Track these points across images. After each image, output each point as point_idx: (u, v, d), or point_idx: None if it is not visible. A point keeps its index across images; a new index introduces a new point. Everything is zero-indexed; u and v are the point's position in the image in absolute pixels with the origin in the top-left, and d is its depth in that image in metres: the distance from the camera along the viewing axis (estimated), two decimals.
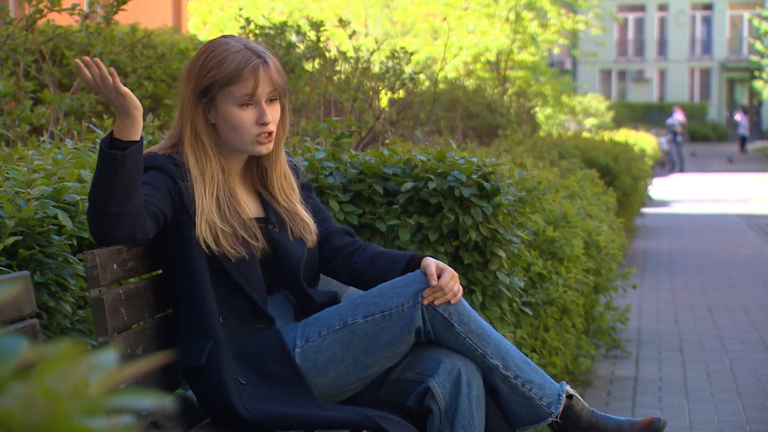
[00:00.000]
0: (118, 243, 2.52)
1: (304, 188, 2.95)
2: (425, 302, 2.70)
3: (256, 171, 2.86)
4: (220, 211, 2.69)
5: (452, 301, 2.71)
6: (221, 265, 2.67)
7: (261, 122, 2.71)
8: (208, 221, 2.65)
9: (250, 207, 2.80)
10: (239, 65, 2.69)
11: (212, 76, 2.69)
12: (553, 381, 2.80)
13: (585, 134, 17.58)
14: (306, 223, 2.84)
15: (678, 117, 29.16)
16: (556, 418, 2.76)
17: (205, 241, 2.64)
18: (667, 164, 29.13)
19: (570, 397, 2.78)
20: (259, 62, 2.71)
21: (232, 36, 2.81)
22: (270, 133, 2.73)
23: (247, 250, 2.70)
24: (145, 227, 2.52)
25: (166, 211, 2.61)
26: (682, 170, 28.90)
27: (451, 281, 2.71)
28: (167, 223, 2.63)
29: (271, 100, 2.74)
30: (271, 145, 2.76)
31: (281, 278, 2.80)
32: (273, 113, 2.74)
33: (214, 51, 2.72)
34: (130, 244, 2.58)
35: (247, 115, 2.70)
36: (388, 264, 2.87)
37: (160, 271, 2.81)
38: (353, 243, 2.93)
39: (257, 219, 2.79)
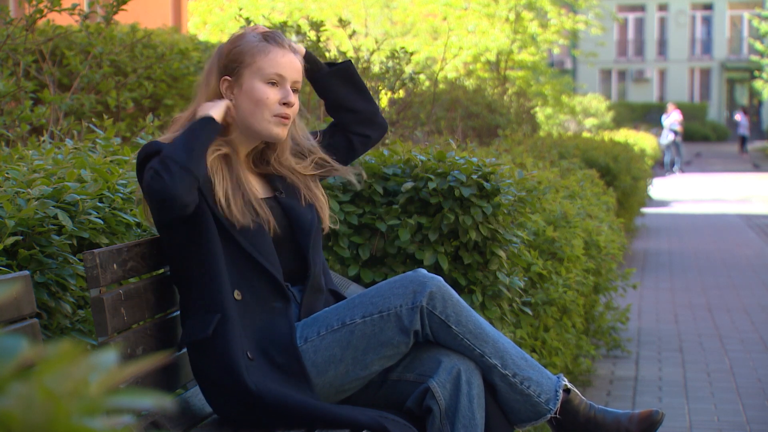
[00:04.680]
0: (178, 197, 2.51)
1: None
2: None
3: (263, 152, 2.91)
4: (233, 186, 2.73)
5: None
6: (235, 240, 2.68)
7: (285, 101, 2.77)
8: (224, 191, 2.69)
9: (257, 188, 2.84)
10: (273, 45, 2.79)
11: (246, 50, 2.77)
12: (550, 376, 2.79)
13: (585, 134, 17.57)
14: (318, 199, 2.91)
15: (677, 116, 29.01)
16: (555, 414, 2.77)
17: (220, 208, 2.67)
18: (673, 165, 28.97)
19: (567, 391, 2.79)
20: (290, 49, 2.82)
21: None
22: (289, 117, 2.79)
23: (258, 221, 2.72)
24: (195, 195, 2.56)
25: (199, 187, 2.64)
26: (672, 170, 28.74)
27: None
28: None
29: (293, 90, 2.81)
30: (286, 130, 2.81)
31: (292, 254, 2.80)
32: (295, 100, 2.81)
33: (247, 35, 2.81)
34: (179, 205, 2.54)
35: (273, 92, 2.77)
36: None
37: (161, 271, 2.82)
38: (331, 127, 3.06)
39: (265, 199, 2.82)
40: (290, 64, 2.80)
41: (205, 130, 2.65)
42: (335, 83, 3.01)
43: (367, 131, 3.04)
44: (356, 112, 3.02)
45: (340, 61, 3.05)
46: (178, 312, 2.81)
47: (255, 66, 2.76)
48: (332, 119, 3.08)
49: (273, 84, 2.77)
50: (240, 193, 2.72)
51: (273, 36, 2.81)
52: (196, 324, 2.65)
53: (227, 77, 2.78)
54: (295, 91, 2.82)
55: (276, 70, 2.77)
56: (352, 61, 6.46)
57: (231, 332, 2.63)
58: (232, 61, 2.78)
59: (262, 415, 2.64)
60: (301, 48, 2.88)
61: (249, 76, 2.76)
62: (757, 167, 30.62)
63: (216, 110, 2.72)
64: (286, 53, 2.80)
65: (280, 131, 2.79)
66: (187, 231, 2.67)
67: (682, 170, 28.77)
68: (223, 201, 2.68)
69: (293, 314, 2.77)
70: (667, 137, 28.67)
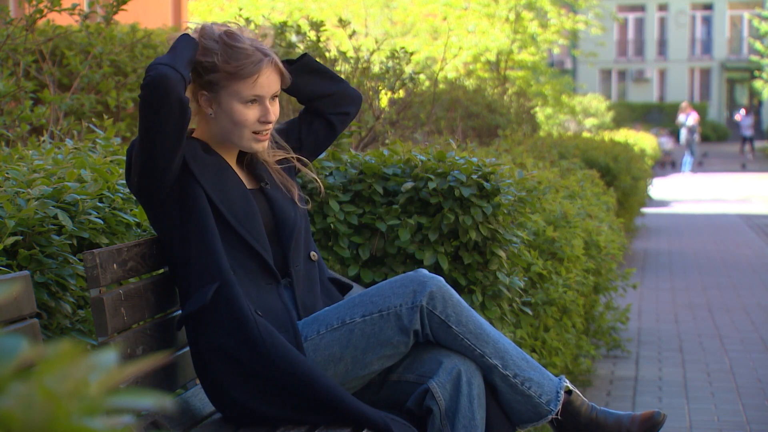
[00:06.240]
0: (170, 77, 2.53)
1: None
2: None
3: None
4: (225, 179, 2.77)
5: None
6: (227, 222, 2.68)
7: (264, 120, 2.76)
8: (218, 181, 2.73)
9: (245, 180, 2.84)
10: (249, 71, 2.71)
11: (220, 69, 2.71)
12: (552, 377, 2.79)
13: (585, 134, 17.57)
14: (292, 185, 2.91)
15: (695, 116, 29.10)
16: (556, 415, 2.77)
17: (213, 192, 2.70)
18: (693, 162, 28.97)
19: (569, 392, 2.79)
20: (269, 63, 2.74)
21: (238, 29, 2.79)
22: (268, 131, 2.78)
23: (250, 209, 2.74)
24: (185, 96, 2.56)
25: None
26: (685, 170, 28.76)
27: None
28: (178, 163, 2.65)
29: (272, 98, 2.79)
30: (266, 143, 2.81)
31: (274, 246, 2.80)
32: (275, 111, 2.79)
33: (226, 44, 2.72)
34: (175, 93, 2.54)
35: (251, 113, 2.75)
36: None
37: (161, 271, 2.82)
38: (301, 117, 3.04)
39: (252, 191, 2.83)
40: (267, 81, 2.74)
41: (182, 41, 2.66)
42: (302, 80, 2.96)
43: (344, 108, 3.02)
44: (330, 95, 3.00)
45: (298, 56, 3.00)
46: (179, 311, 2.81)
47: (232, 89, 2.72)
48: (304, 107, 3.06)
49: (252, 101, 2.74)
50: (232, 186, 2.74)
51: (248, 57, 2.71)
52: (195, 299, 2.65)
53: (204, 92, 2.74)
54: (273, 98, 2.79)
55: (254, 92, 2.73)
56: (352, 62, 6.48)
57: (234, 294, 2.63)
58: (209, 73, 2.72)
59: (270, 372, 2.60)
60: (269, 50, 2.78)
61: (227, 97, 2.73)
62: (743, 167, 30.60)
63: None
64: (261, 72, 2.73)
65: (260, 146, 2.79)
66: (181, 209, 2.67)
67: (692, 171, 28.74)
68: (217, 190, 2.70)
69: (287, 298, 2.76)
70: (686, 137, 28.69)
